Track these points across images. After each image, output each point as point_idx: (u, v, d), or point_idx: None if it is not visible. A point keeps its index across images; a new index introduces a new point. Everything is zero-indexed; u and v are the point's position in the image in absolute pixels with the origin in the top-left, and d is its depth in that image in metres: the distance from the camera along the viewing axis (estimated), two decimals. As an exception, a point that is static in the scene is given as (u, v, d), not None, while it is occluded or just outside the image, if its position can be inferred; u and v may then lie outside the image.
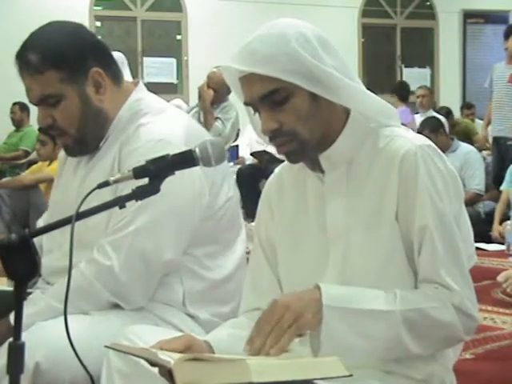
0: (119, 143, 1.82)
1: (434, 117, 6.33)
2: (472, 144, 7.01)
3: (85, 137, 1.84)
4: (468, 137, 7.95)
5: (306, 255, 1.49)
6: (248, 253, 1.94)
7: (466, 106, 9.64)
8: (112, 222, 1.74)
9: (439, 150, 1.43)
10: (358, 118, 1.43)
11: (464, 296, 1.35)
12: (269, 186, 1.60)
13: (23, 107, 8.13)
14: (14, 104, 8.23)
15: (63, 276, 1.71)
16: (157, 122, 1.82)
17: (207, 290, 1.87)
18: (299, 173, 1.49)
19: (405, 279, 1.39)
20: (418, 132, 5.88)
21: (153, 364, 1.31)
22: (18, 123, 8.46)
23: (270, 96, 1.37)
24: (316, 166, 1.46)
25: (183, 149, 1.75)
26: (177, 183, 1.44)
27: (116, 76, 1.87)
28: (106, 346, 1.39)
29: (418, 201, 1.36)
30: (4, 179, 6.20)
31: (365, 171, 1.42)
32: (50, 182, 4.87)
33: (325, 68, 1.36)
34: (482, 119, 9.38)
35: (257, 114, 1.43)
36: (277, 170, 1.60)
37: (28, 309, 1.23)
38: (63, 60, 1.77)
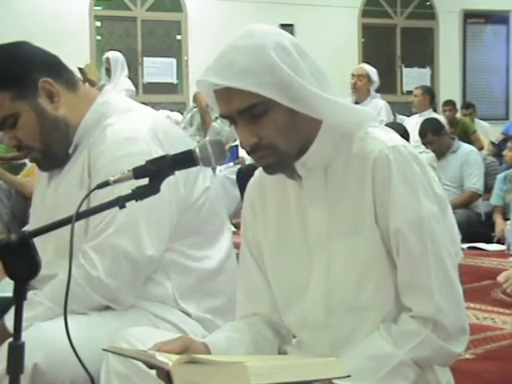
0: (87, 147, 1.84)
1: (434, 118, 6.30)
2: (470, 143, 7.00)
3: (50, 148, 1.86)
4: (466, 135, 7.95)
5: (290, 260, 1.48)
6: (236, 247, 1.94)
7: (465, 105, 9.62)
8: (91, 226, 1.76)
9: (415, 151, 1.39)
10: (332, 124, 1.40)
11: (439, 305, 1.32)
12: (250, 190, 1.58)
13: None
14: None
15: (48, 283, 1.73)
16: (122, 121, 1.84)
17: (197, 283, 1.88)
18: (279, 176, 1.46)
19: (386, 282, 1.38)
20: (420, 134, 5.88)
21: (150, 366, 1.31)
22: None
23: (248, 110, 1.33)
24: (293, 174, 1.44)
25: (151, 144, 1.78)
26: None
27: (69, 82, 1.88)
28: (104, 349, 1.39)
29: (392, 204, 1.33)
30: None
31: (341, 177, 1.41)
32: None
33: (303, 82, 1.32)
34: (482, 119, 9.38)
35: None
36: (257, 172, 1.56)
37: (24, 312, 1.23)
38: (9, 79, 1.79)
